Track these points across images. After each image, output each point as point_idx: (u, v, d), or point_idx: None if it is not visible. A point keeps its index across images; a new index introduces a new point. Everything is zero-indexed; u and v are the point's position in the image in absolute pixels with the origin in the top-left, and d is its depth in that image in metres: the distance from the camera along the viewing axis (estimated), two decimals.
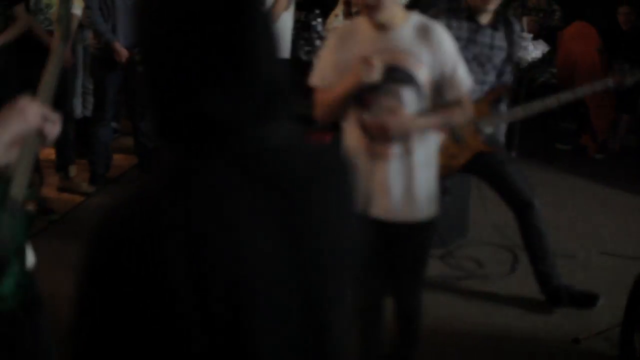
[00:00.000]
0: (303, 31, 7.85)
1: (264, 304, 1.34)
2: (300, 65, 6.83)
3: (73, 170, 6.42)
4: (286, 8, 6.78)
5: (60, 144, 6.20)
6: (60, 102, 5.85)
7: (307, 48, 7.58)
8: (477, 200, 5.49)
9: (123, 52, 6.04)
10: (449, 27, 4.08)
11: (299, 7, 7.63)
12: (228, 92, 1.32)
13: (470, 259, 5.47)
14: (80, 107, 6.26)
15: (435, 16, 3.69)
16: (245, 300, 1.31)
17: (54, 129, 2.32)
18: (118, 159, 7.07)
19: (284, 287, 1.38)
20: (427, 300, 3.62)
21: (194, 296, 1.25)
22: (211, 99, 1.31)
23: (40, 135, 2.36)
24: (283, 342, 1.39)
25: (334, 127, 3.42)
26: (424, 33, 3.09)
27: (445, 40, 3.12)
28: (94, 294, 1.28)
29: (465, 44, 4.32)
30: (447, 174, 4.33)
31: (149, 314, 1.25)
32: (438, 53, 3.09)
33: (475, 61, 4.38)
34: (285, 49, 5.91)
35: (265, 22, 1.38)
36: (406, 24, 3.08)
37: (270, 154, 1.39)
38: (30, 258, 2.57)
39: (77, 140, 6.50)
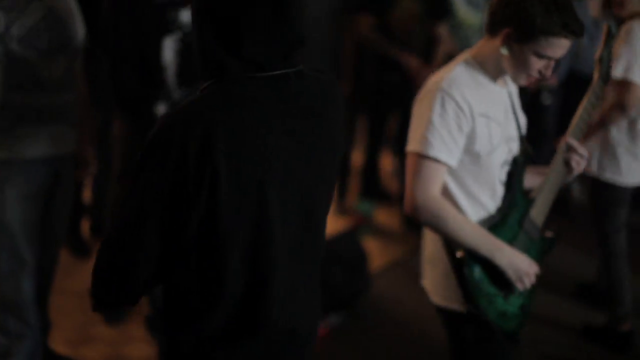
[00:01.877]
0: None
1: (277, 199, 1.80)
2: None
3: None
4: None
5: None
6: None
7: None
8: None
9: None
10: None
11: None
12: (264, 41, 1.77)
13: None
14: None
15: None
16: (265, 187, 1.77)
17: (580, 163, 2.78)
18: None
19: (294, 190, 1.84)
20: None
21: (230, 175, 1.70)
22: (251, 45, 1.76)
23: (566, 165, 2.82)
24: (289, 238, 1.87)
25: None
26: None
27: None
28: (151, 163, 1.72)
29: None
30: None
31: (190, 186, 1.69)
32: None
33: None
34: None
35: None
36: None
37: (294, 81, 1.85)
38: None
39: None
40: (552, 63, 2.59)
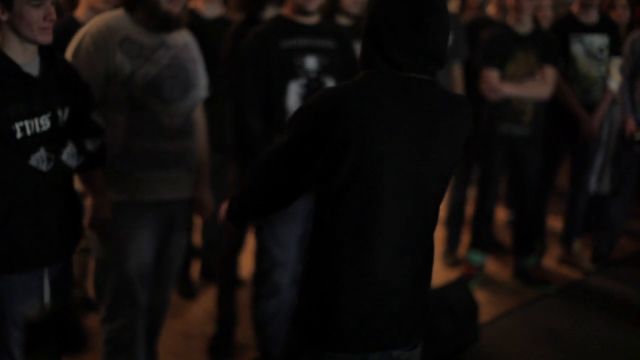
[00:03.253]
0: None
1: (391, 176, 2.23)
2: None
3: (577, 245, 6.27)
4: None
5: (569, 215, 6.18)
6: (577, 175, 6.02)
7: None
8: None
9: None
10: None
11: None
12: (402, 48, 2.22)
13: None
14: (594, 183, 6.20)
15: None
16: (377, 170, 2.21)
17: None
18: (624, 241, 6.75)
19: (404, 178, 2.24)
20: None
21: (354, 138, 2.17)
22: (396, 51, 2.22)
23: None
24: (399, 212, 2.27)
25: None
26: None
27: None
28: (301, 118, 2.27)
29: None
30: None
31: (323, 143, 2.21)
32: None
33: None
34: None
35: (440, 13, 2.23)
36: None
37: (425, 86, 2.27)
38: None
39: (586, 215, 6.38)
40: None
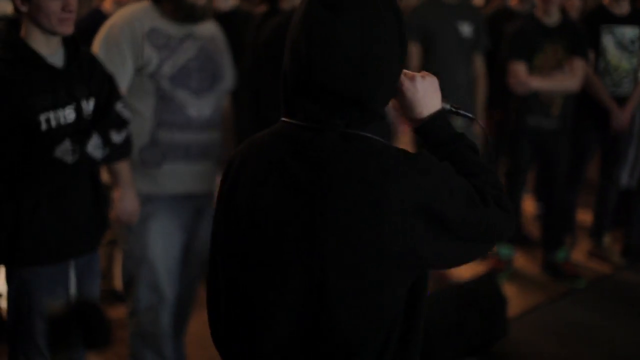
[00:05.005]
0: None
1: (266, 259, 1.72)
2: None
3: (607, 239, 6.21)
4: None
5: (599, 208, 6.15)
6: (608, 168, 5.98)
7: None
8: None
9: None
10: None
11: None
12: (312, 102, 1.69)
13: None
14: (626, 177, 6.16)
15: None
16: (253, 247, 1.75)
17: None
18: None
19: (285, 254, 1.68)
20: None
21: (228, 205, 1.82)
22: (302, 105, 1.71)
23: None
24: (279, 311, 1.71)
25: None
26: None
27: None
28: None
29: None
30: None
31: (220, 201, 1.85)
32: None
33: None
34: None
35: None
36: None
37: (328, 147, 1.66)
38: None
39: (617, 209, 6.30)
40: None
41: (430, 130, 1.83)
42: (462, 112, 1.92)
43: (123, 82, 3.30)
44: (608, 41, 5.65)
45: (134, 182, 3.36)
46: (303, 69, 1.68)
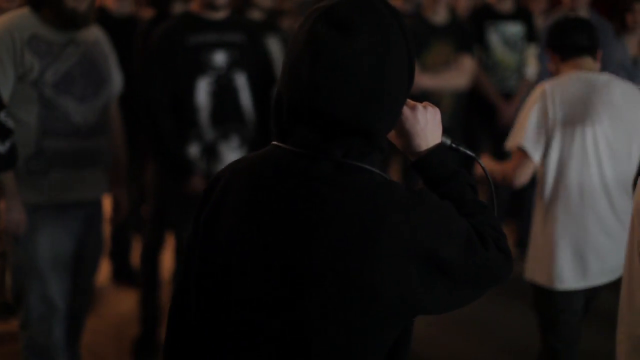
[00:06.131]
0: None
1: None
2: None
3: None
4: None
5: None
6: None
7: None
8: None
9: None
10: None
11: None
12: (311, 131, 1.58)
13: None
14: None
15: None
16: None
17: None
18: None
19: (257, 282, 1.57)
20: None
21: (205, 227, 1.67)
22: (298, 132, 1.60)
23: None
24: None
25: None
26: None
27: None
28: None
29: None
30: None
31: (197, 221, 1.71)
32: None
33: None
34: None
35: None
36: None
37: (322, 178, 1.55)
38: None
39: (510, 200, 6.25)
40: None
41: (427, 165, 1.71)
42: (462, 149, 1.82)
43: (5, 91, 3.23)
44: (493, 38, 5.79)
45: (20, 192, 3.30)
46: (303, 93, 1.55)
